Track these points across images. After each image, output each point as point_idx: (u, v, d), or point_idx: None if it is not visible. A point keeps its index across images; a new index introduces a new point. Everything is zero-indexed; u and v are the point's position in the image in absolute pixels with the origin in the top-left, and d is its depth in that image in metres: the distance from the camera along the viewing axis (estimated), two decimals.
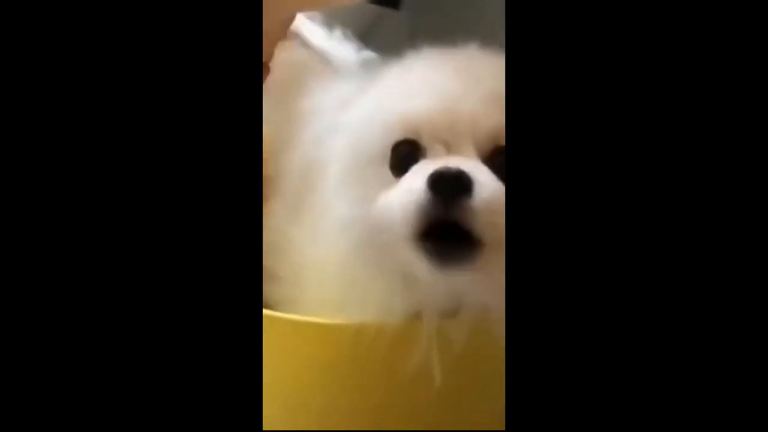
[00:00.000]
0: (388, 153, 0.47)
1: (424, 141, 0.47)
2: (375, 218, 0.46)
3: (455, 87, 0.47)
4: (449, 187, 0.43)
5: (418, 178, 0.45)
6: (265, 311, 0.49)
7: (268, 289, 0.54)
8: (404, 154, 0.47)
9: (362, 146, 0.49)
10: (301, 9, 0.65)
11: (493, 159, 0.46)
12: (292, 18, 0.67)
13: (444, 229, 0.44)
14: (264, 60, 0.62)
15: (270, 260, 0.53)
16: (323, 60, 0.66)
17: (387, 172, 0.47)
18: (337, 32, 0.70)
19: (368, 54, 0.66)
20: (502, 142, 0.46)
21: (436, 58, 0.50)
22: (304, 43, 0.67)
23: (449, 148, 0.46)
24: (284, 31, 0.65)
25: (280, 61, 0.64)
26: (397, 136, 0.47)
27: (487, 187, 0.44)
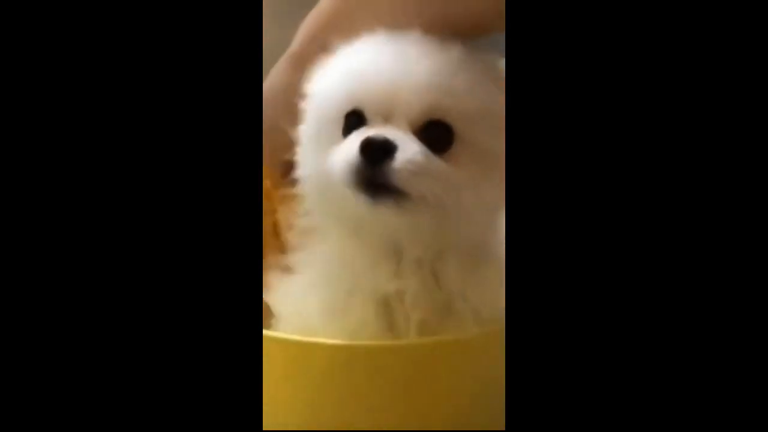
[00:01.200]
0: (342, 120, 0.57)
1: (367, 113, 0.56)
2: (326, 169, 0.56)
3: (394, 68, 0.56)
4: (374, 151, 0.53)
5: (353, 142, 0.54)
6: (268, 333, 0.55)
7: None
8: (352, 122, 0.56)
9: (323, 114, 0.58)
10: None
11: (425, 131, 0.55)
12: None
13: (375, 185, 0.54)
14: None
15: None
16: None
17: (340, 135, 0.57)
18: None
19: None
20: (435, 116, 0.55)
21: (383, 43, 0.59)
22: None
23: (386, 120, 0.55)
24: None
25: None
26: (348, 107, 0.57)
27: (408, 151, 0.53)
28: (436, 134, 0.55)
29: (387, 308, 0.57)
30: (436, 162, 0.54)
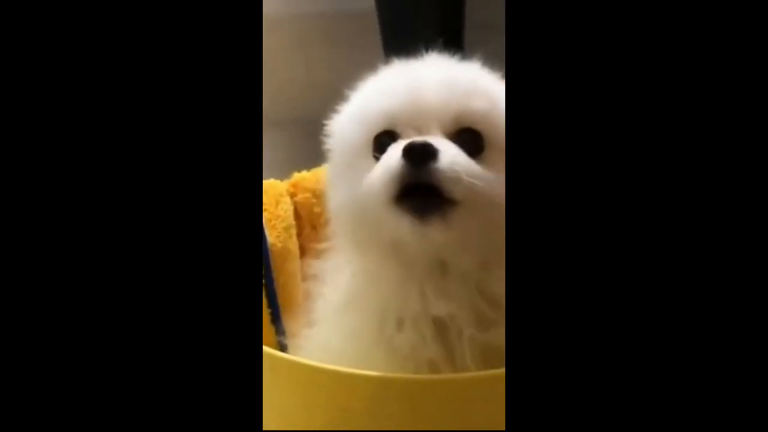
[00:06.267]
0: (371, 143, 0.59)
1: (399, 129, 0.58)
2: (362, 193, 0.57)
3: (422, 82, 0.59)
4: (418, 154, 0.54)
5: (393, 152, 0.56)
6: (281, 355, 0.57)
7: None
8: (384, 142, 0.58)
9: (351, 142, 0.60)
10: None
11: (459, 137, 0.57)
12: None
13: (418, 191, 0.54)
14: None
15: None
16: None
17: (370, 158, 0.58)
18: None
19: None
20: (466, 124, 0.58)
21: (404, 66, 0.63)
22: None
23: (419, 131, 0.57)
24: None
25: None
26: (378, 128, 0.59)
27: (450, 152, 0.55)
28: (468, 140, 0.57)
29: (441, 329, 0.57)
30: (475, 164, 0.56)
